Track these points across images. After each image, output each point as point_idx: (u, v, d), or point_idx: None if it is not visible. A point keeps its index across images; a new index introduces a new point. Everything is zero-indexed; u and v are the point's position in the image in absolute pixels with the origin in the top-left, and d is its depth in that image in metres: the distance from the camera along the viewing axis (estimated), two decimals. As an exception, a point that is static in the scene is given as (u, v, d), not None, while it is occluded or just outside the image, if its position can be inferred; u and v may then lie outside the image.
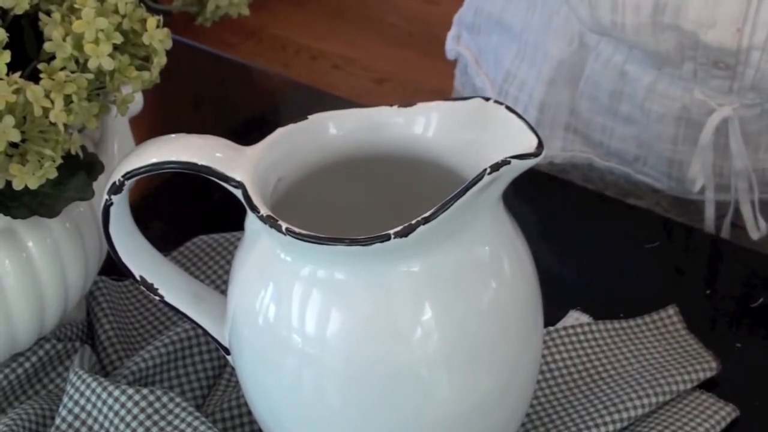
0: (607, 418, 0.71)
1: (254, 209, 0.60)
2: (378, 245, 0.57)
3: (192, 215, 0.90)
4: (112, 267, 0.69)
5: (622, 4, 0.86)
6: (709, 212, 0.93)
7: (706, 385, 0.75)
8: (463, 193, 0.57)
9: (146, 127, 0.93)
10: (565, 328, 0.77)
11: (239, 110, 1.05)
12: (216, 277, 0.82)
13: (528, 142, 0.59)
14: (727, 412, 0.73)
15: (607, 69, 0.93)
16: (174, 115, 1.05)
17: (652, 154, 0.95)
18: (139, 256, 0.67)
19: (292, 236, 0.58)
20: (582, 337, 0.77)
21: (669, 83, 0.90)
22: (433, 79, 1.94)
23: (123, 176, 0.63)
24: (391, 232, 0.57)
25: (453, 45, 1.10)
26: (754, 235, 0.93)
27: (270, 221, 0.58)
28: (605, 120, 0.96)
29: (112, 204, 0.64)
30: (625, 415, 0.71)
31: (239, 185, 0.61)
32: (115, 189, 0.63)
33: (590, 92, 0.95)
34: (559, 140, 0.97)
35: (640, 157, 0.96)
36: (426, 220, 0.57)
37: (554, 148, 0.97)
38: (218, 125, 1.01)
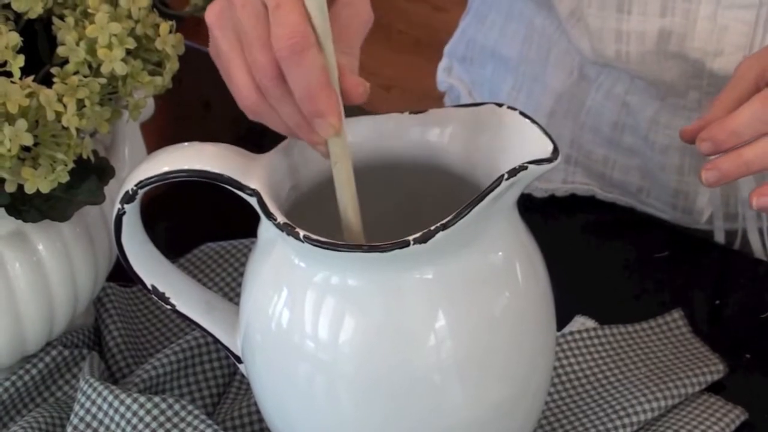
0: (618, 423, 0.71)
1: (270, 217, 0.59)
2: (396, 252, 0.56)
3: (197, 222, 0.89)
4: (120, 273, 0.68)
5: (627, 32, 0.85)
6: (719, 239, 0.92)
7: (715, 389, 0.75)
8: (482, 199, 0.56)
9: (157, 132, 0.92)
10: (571, 333, 0.77)
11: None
12: (224, 285, 0.81)
13: (543, 147, 0.58)
14: (736, 415, 0.73)
15: (609, 100, 0.92)
16: (184, 121, 1.05)
17: (657, 184, 0.94)
18: (151, 266, 0.66)
19: (310, 243, 0.57)
20: (588, 342, 0.77)
21: (672, 114, 0.90)
22: (441, 86, 1.94)
23: (136, 185, 0.62)
24: (410, 238, 0.56)
25: (444, 77, 1.09)
26: None
27: (287, 229, 0.58)
28: (607, 152, 0.95)
29: (124, 213, 0.63)
30: (635, 419, 0.71)
31: (254, 193, 0.60)
32: (128, 198, 0.62)
33: (591, 124, 0.94)
34: (560, 172, 0.96)
35: (643, 189, 0.95)
36: (444, 227, 0.56)
37: (555, 181, 0.96)
38: (228, 131, 1.01)
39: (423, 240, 0.56)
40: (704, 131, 0.69)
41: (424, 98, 2.21)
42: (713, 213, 0.91)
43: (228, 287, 0.81)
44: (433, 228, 0.56)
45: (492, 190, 0.57)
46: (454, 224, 0.56)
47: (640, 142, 0.92)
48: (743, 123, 0.68)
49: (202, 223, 0.89)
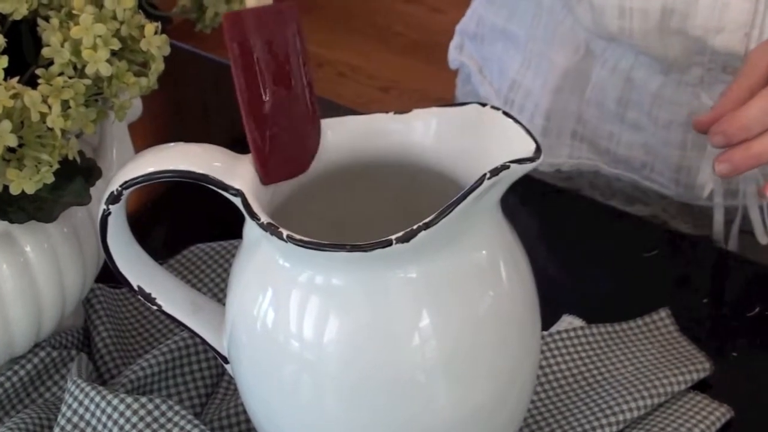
0: (603, 421, 0.71)
1: (254, 217, 0.59)
2: (379, 251, 0.57)
3: (190, 224, 0.89)
4: (109, 274, 0.69)
5: (629, 9, 0.86)
6: (718, 217, 0.93)
7: (701, 387, 0.75)
8: (464, 198, 0.57)
9: (149, 134, 0.93)
10: (558, 332, 0.78)
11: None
12: (213, 285, 0.81)
13: (526, 147, 0.59)
14: (722, 413, 0.73)
15: (614, 76, 0.93)
16: (178, 122, 1.05)
17: (660, 160, 0.95)
18: (137, 266, 0.66)
19: (293, 243, 0.57)
20: (576, 341, 0.77)
21: (676, 89, 0.91)
22: (438, 87, 1.95)
23: (121, 186, 0.62)
24: (393, 237, 0.56)
25: (455, 55, 1.10)
26: (763, 239, 0.93)
27: (271, 228, 0.58)
28: (612, 127, 0.96)
29: (110, 214, 0.63)
30: (621, 417, 0.71)
31: (238, 193, 0.61)
32: (113, 198, 0.63)
33: (597, 100, 0.95)
34: (566, 148, 0.97)
35: (647, 164, 0.96)
36: (427, 226, 0.56)
37: (561, 156, 0.97)
38: (222, 132, 1.01)
39: (405, 239, 0.56)
40: (716, 125, 0.73)
41: (422, 100, 2.22)
42: (714, 189, 0.92)
43: (217, 288, 0.81)
44: (415, 227, 0.57)
45: (474, 189, 0.57)
46: (436, 223, 0.57)
47: (644, 118, 0.93)
48: (752, 118, 0.71)
49: (195, 224, 0.89)
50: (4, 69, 0.61)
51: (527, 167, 0.58)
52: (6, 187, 0.62)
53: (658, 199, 0.98)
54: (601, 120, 0.96)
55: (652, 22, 0.86)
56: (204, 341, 0.67)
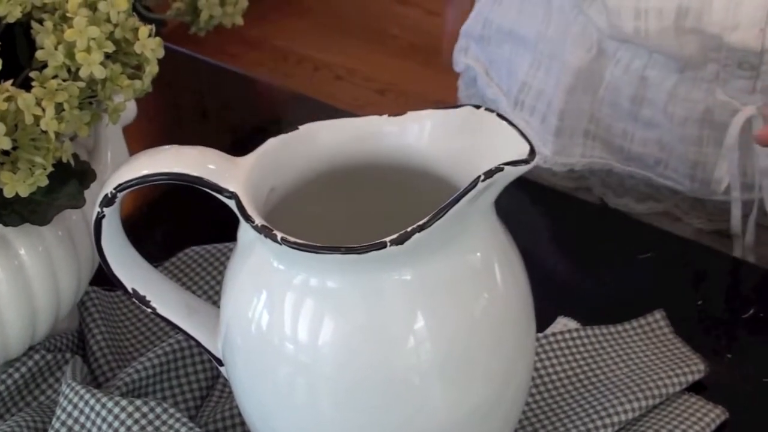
0: (598, 423, 0.71)
1: (248, 219, 0.59)
2: (374, 253, 0.57)
3: (182, 227, 0.89)
4: (104, 277, 0.69)
5: (645, 10, 0.86)
6: (736, 212, 0.93)
7: (695, 388, 0.75)
8: (458, 200, 0.57)
9: (144, 137, 0.93)
10: (554, 334, 0.78)
11: (241, 121, 1.05)
12: (208, 288, 0.81)
13: (520, 149, 0.59)
14: (717, 415, 0.73)
15: (628, 75, 0.93)
16: (172, 125, 1.05)
17: (675, 156, 0.95)
18: (131, 269, 0.66)
19: (287, 245, 0.57)
20: (570, 343, 0.77)
21: (691, 86, 0.91)
22: (435, 90, 1.95)
23: (115, 188, 0.62)
24: (387, 240, 0.57)
25: (461, 57, 1.10)
26: None
27: (265, 231, 0.58)
28: (626, 125, 0.96)
29: (104, 216, 0.63)
30: (615, 419, 0.71)
31: (232, 196, 0.61)
32: (107, 201, 0.63)
33: (611, 98, 0.95)
34: (579, 147, 0.98)
35: (661, 161, 0.96)
36: (421, 228, 0.57)
37: (574, 155, 0.97)
38: (220, 135, 1.01)
39: (400, 241, 0.57)
40: None
41: (419, 102, 2.22)
42: (730, 184, 0.92)
43: (212, 290, 0.81)
44: (409, 229, 0.57)
45: (468, 192, 0.57)
46: (430, 225, 0.57)
47: (658, 115, 0.93)
48: None
49: (190, 227, 0.89)
50: (-2, 72, 0.61)
51: (521, 169, 0.58)
52: (0, 190, 0.62)
53: (670, 195, 0.99)
54: (614, 118, 0.96)
55: (668, 22, 0.86)
56: (199, 344, 0.67)
